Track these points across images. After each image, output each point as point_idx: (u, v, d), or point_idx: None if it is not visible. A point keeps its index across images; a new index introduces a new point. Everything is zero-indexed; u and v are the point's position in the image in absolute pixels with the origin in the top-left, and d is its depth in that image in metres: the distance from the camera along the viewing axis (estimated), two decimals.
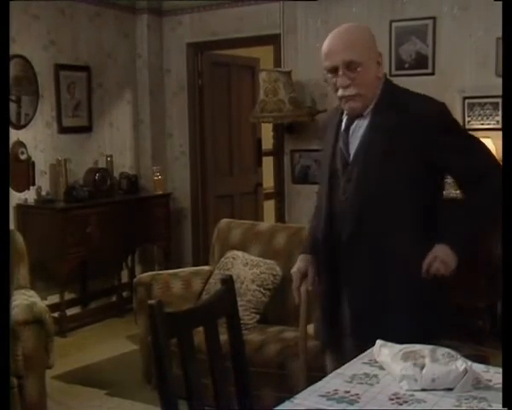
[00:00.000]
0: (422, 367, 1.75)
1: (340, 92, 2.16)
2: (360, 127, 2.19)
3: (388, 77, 2.28)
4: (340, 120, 2.26)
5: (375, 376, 1.83)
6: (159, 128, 6.44)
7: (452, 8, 4.97)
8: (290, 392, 1.78)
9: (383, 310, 2.16)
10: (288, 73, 5.37)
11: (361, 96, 2.15)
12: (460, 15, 4.95)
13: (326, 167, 2.26)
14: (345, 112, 2.24)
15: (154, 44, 6.37)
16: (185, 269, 4.39)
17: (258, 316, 3.81)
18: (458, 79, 4.98)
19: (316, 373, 2.09)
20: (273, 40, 5.82)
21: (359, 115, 2.19)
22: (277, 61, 5.81)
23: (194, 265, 5.73)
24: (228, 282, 2.12)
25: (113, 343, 4.98)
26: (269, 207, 6.63)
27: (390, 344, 1.89)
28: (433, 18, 5.02)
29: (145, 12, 6.27)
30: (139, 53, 6.34)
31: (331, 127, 2.31)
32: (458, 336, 3.99)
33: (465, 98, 4.93)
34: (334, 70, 2.16)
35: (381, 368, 1.84)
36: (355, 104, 2.16)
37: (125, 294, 5.91)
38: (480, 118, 4.89)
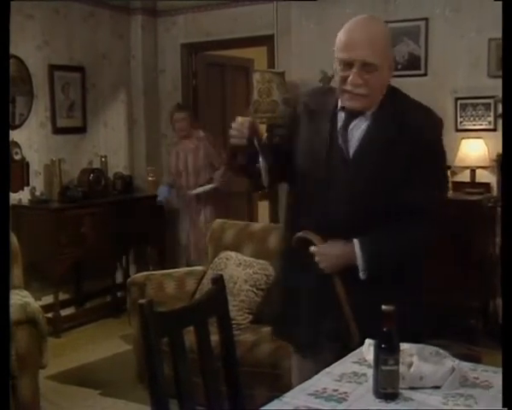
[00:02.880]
0: (410, 365, 1.77)
1: (348, 87, 2.07)
2: (359, 127, 2.13)
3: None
4: (335, 113, 2.16)
5: (364, 375, 1.84)
6: (153, 128, 6.45)
7: (444, 10, 5.00)
8: (283, 392, 1.78)
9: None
10: (282, 74, 5.39)
11: (367, 98, 2.08)
12: (452, 17, 4.98)
13: (321, 162, 2.15)
14: (340, 105, 2.15)
15: (148, 45, 6.38)
16: (179, 269, 4.40)
17: (251, 316, 3.82)
18: (450, 79, 5.01)
19: None
20: (267, 41, 5.84)
21: (358, 114, 2.12)
22: (271, 62, 5.83)
23: (188, 265, 5.74)
24: (218, 281, 2.13)
25: (107, 343, 4.98)
26: (263, 207, 6.64)
27: None
28: (426, 19, 5.05)
29: (139, 12, 6.28)
30: (133, 53, 6.35)
31: (323, 117, 2.18)
32: (451, 335, 4.02)
33: (457, 99, 4.96)
34: (348, 64, 2.05)
35: (370, 367, 1.84)
36: (359, 103, 2.09)
37: (119, 294, 5.91)
38: (472, 118, 4.91)
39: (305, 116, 2.24)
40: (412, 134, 2.10)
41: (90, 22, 5.92)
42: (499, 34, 4.26)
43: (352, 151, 2.13)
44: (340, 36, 2.09)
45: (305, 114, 2.24)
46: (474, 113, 4.90)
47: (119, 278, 6.04)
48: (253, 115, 5.37)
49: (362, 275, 2.10)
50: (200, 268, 4.26)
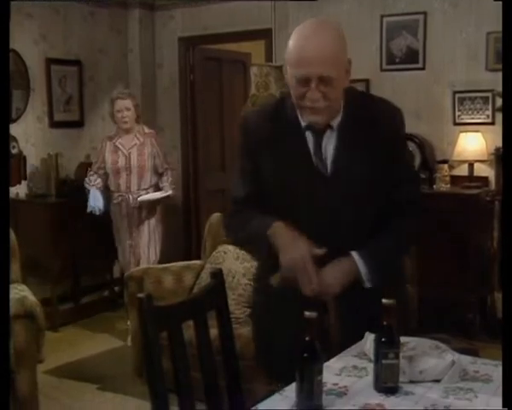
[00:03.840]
0: (410, 359, 1.77)
1: (307, 103, 1.97)
2: (331, 143, 2.06)
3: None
4: (301, 132, 2.05)
5: (364, 368, 1.84)
6: (150, 123, 6.40)
7: (443, 4, 5.00)
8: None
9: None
10: (280, 68, 5.36)
11: (328, 109, 2.00)
12: (450, 11, 4.98)
13: (300, 186, 2.06)
14: (303, 123, 2.05)
15: (145, 39, 6.36)
16: (177, 263, 4.39)
17: (249, 310, 3.81)
18: (449, 73, 5.01)
19: None
20: (265, 35, 5.83)
21: (326, 128, 2.05)
22: (269, 56, 5.82)
23: (186, 259, 5.72)
24: (217, 275, 2.13)
25: (105, 338, 4.98)
26: None
27: None
28: (424, 13, 5.04)
29: (137, 6, 6.26)
30: (131, 48, 6.34)
31: (290, 138, 2.07)
32: (448, 329, 4.03)
33: (455, 92, 4.96)
34: (305, 80, 1.94)
35: (370, 361, 1.85)
36: (321, 117, 2.01)
37: (116, 289, 5.90)
38: (470, 112, 4.91)
39: (264, 148, 2.09)
40: (383, 132, 2.06)
41: (87, 18, 5.90)
42: (497, 28, 4.27)
43: (329, 169, 2.06)
44: (291, 49, 1.97)
45: (263, 145, 2.09)
46: (472, 106, 4.90)
47: (116, 272, 6.01)
48: (251, 109, 5.36)
49: (367, 284, 2.03)
50: (198, 262, 4.26)
